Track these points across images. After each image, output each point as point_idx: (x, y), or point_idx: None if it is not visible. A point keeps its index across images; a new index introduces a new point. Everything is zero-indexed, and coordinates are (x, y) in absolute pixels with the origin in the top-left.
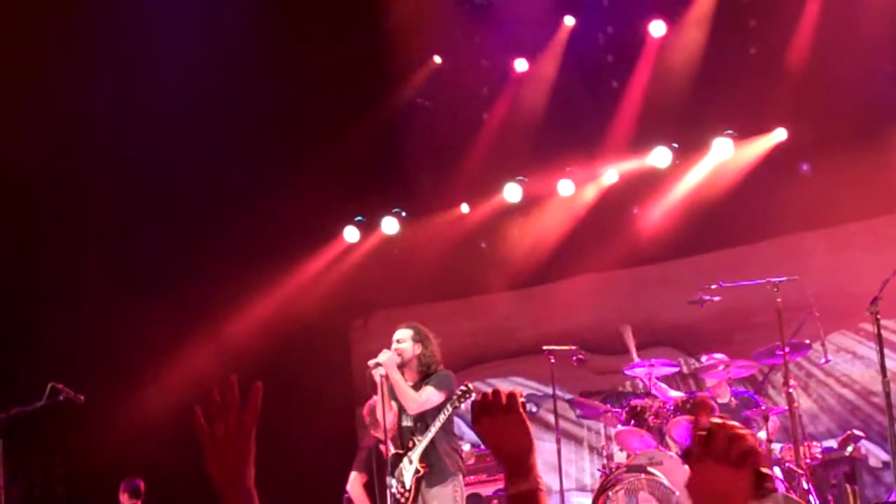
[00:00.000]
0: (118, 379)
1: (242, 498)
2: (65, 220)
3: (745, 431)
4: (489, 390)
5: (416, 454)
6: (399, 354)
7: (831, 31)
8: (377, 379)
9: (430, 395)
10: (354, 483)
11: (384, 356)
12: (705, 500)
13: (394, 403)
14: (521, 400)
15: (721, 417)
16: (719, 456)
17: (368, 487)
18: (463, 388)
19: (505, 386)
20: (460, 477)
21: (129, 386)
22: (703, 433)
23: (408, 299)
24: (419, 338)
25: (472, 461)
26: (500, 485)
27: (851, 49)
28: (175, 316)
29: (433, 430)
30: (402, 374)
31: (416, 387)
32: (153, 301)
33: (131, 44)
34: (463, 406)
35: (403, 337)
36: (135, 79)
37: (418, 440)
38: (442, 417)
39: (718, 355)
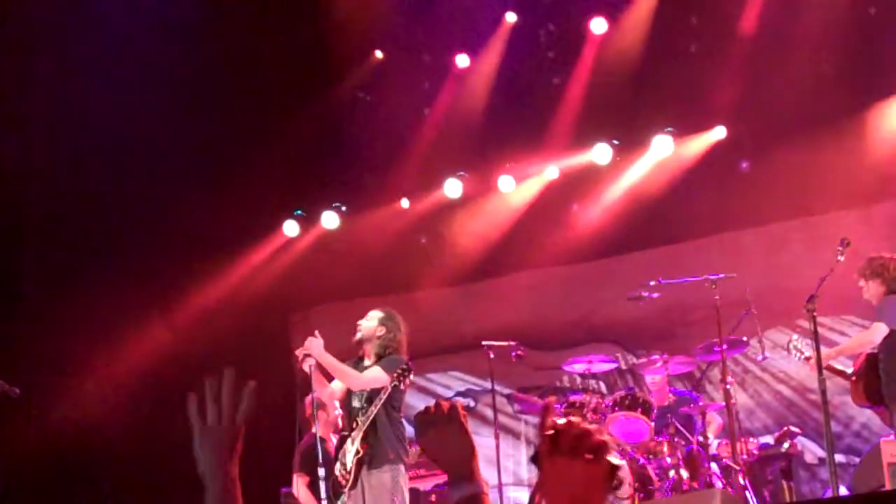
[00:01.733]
0: (55, 372)
1: (227, 486)
2: (1, 208)
3: (591, 426)
4: (430, 404)
5: (357, 435)
6: (359, 330)
7: (771, 31)
8: (306, 369)
9: (376, 374)
10: (298, 486)
11: (310, 343)
12: (561, 498)
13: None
14: (462, 411)
15: (567, 415)
16: (569, 453)
17: (313, 487)
18: (403, 365)
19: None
20: (401, 467)
21: (66, 380)
22: (552, 432)
23: (348, 294)
24: (386, 322)
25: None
26: (439, 479)
27: (791, 49)
28: (112, 310)
29: (374, 410)
30: (363, 349)
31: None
32: (91, 295)
33: (72, 35)
34: (402, 385)
35: (372, 316)
36: (76, 69)
37: (362, 421)
38: (383, 396)
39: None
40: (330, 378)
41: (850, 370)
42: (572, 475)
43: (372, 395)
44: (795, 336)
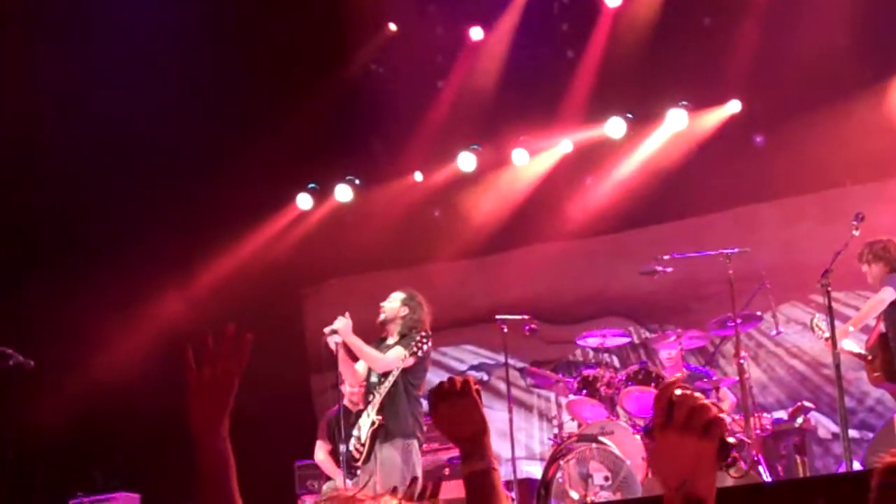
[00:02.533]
0: (69, 344)
1: (217, 444)
2: (14, 184)
3: (707, 401)
4: (444, 379)
5: (373, 406)
6: (382, 311)
7: (786, 3)
8: (332, 346)
9: (397, 354)
10: (319, 451)
11: (339, 323)
12: (670, 471)
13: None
14: (475, 386)
15: (682, 388)
16: (683, 426)
17: (334, 455)
18: (423, 333)
19: (457, 353)
20: (415, 442)
21: (79, 351)
22: (666, 405)
23: (361, 267)
24: (409, 302)
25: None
26: (453, 453)
27: (807, 21)
28: (126, 282)
29: (390, 379)
30: (387, 330)
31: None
32: (104, 267)
33: (83, 16)
34: (420, 352)
35: (394, 297)
36: (87, 48)
37: (379, 393)
38: (399, 365)
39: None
40: (354, 357)
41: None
42: (683, 449)
43: (390, 371)
44: (819, 316)
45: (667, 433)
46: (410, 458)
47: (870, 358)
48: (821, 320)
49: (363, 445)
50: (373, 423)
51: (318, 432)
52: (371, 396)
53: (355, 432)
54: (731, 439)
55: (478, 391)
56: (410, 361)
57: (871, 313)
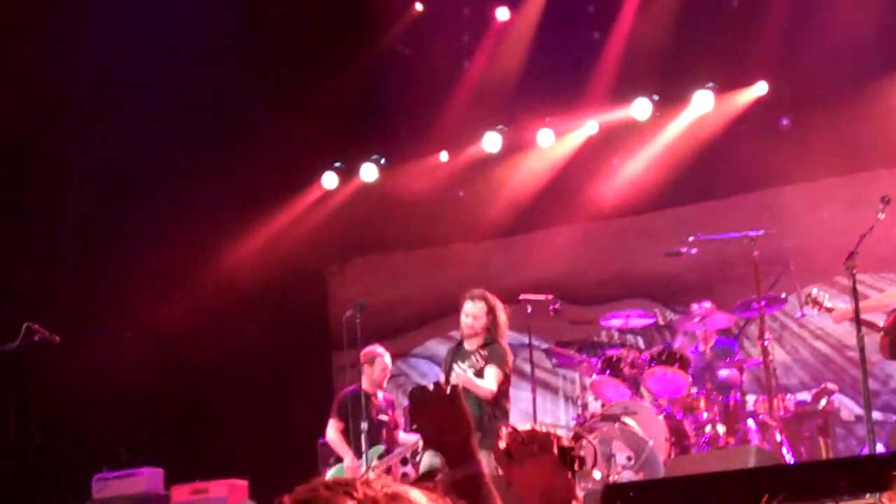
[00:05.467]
0: (96, 321)
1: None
2: (45, 160)
3: (531, 426)
4: (428, 385)
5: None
6: (472, 327)
7: None
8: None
9: (496, 378)
10: (332, 429)
11: (459, 379)
12: (530, 492)
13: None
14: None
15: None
16: (518, 457)
17: (345, 434)
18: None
19: None
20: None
21: (106, 329)
22: (503, 449)
23: (385, 246)
24: (490, 308)
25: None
26: None
27: (833, 5)
28: (152, 261)
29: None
30: (470, 340)
31: (479, 350)
32: (132, 246)
33: None
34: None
35: (479, 313)
36: (115, 28)
37: None
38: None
39: (707, 304)
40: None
41: (881, 323)
42: (531, 471)
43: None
44: (815, 290)
45: (511, 469)
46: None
47: (883, 333)
48: (818, 293)
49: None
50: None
51: (332, 410)
52: None
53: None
54: (567, 444)
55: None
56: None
57: (886, 307)
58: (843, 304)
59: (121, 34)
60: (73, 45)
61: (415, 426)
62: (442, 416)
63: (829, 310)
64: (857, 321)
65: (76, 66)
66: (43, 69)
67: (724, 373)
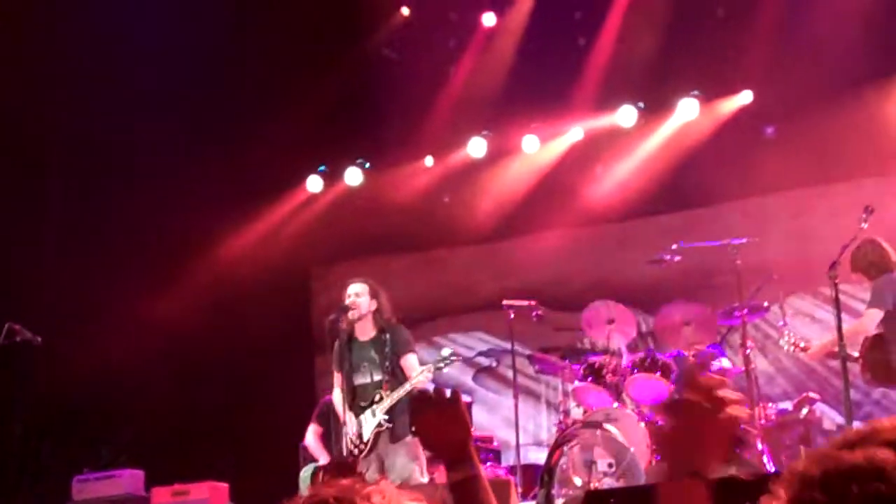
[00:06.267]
0: (78, 322)
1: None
2: (26, 159)
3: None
4: (429, 390)
5: (381, 407)
6: (355, 308)
7: None
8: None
9: (415, 362)
10: (311, 434)
11: (423, 383)
12: (678, 449)
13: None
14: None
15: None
16: (705, 404)
17: (325, 439)
18: (447, 351)
19: (466, 340)
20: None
21: (88, 329)
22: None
23: (369, 250)
24: (374, 292)
25: None
26: None
27: (820, 13)
28: (135, 264)
29: (407, 387)
30: (360, 328)
31: (376, 340)
32: (115, 245)
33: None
34: (445, 369)
35: (361, 291)
36: (104, 15)
37: (386, 395)
38: (421, 378)
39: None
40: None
41: (855, 353)
42: (698, 427)
43: (395, 371)
44: (787, 332)
45: (686, 410)
46: (418, 451)
47: (861, 361)
48: (790, 335)
49: (364, 444)
50: (379, 425)
51: (313, 416)
52: (376, 396)
53: (353, 428)
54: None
55: (459, 398)
56: (430, 373)
57: (851, 338)
58: (817, 341)
59: (103, 33)
60: (50, 46)
61: (413, 429)
62: (443, 418)
63: (805, 348)
64: (839, 331)
65: (54, 70)
66: (26, 75)
67: None
